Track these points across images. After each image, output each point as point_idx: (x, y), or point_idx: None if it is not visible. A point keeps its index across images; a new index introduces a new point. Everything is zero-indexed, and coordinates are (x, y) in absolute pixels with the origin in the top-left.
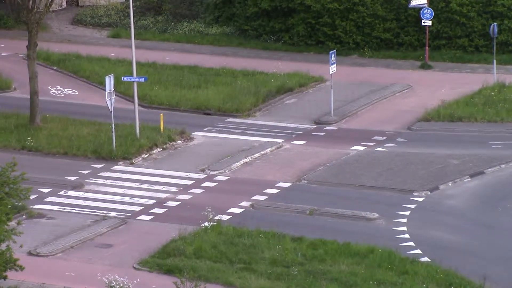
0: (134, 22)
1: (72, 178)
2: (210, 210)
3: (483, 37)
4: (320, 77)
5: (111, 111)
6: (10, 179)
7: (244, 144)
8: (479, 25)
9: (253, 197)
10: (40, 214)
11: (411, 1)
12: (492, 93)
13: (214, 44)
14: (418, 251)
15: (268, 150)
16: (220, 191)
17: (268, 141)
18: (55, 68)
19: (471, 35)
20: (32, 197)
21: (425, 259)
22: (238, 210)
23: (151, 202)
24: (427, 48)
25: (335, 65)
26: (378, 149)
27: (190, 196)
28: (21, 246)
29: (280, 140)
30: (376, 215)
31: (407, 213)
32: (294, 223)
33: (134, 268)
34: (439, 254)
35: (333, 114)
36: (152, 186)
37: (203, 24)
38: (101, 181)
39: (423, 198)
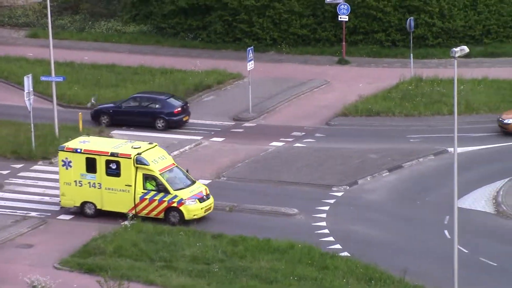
0: (51, 22)
1: None
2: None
3: (399, 31)
4: (238, 74)
5: (30, 111)
6: None
7: (163, 142)
8: (396, 19)
9: None
10: None
11: None
12: (409, 87)
13: (132, 42)
14: (338, 246)
15: (187, 147)
16: None
17: (187, 139)
18: None
19: (388, 30)
20: None
21: (345, 253)
22: None
23: None
24: (344, 43)
25: (252, 61)
26: (297, 144)
27: None
28: None
29: (199, 137)
30: (296, 210)
31: (327, 208)
32: (214, 220)
33: (55, 267)
34: (359, 249)
35: (252, 110)
36: None
37: (121, 22)
38: (20, 181)
39: (342, 193)
